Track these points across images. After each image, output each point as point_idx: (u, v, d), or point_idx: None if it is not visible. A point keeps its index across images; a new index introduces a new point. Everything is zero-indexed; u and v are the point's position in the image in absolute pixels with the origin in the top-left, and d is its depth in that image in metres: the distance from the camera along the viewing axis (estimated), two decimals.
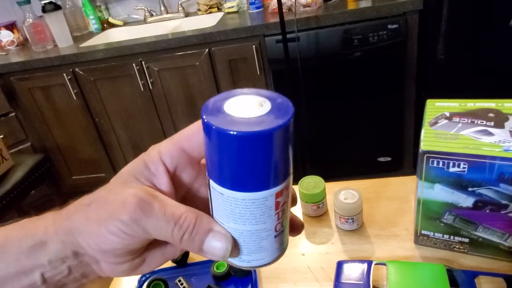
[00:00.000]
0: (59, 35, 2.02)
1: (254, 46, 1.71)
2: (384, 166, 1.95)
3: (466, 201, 0.52)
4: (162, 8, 2.21)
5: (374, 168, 1.96)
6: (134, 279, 0.64)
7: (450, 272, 0.52)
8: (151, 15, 2.24)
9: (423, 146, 0.50)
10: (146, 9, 2.22)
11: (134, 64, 1.83)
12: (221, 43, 1.75)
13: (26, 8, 2.01)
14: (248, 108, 0.24)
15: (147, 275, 0.63)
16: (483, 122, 0.52)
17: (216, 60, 1.79)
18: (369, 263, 0.56)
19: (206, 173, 0.27)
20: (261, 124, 0.23)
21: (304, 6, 1.77)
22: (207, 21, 2.01)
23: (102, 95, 1.96)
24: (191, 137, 0.29)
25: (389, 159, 1.93)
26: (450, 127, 0.52)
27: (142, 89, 1.90)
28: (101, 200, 0.28)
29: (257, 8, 1.98)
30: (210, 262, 0.62)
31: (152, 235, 0.27)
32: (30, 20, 2.02)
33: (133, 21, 2.34)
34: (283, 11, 1.54)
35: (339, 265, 0.58)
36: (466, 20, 1.55)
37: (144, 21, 2.25)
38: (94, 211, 0.28)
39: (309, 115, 1.82)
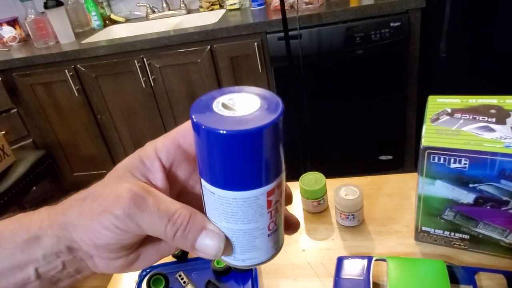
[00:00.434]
0: (61, 32, 2.02)
1: (256, 43, 1.71)
2: (386, 165, 1.94)
3: (467, 197, 0.52)
4: (164, 5, 2.21)
5: (375, 166, 1.96)
6: (135, 274, 0.64)
7: (450, 268, 0.52)
8: (153, 12, 2.24)
9: (424, 142, 0.50)
10: (148, 5, 2.22)
11: (136, 61, 1.83)
12: (223, 40, 1.74)
13: (28, 4, 2.01)
14: (237, 106, 0.24)
15: (148, 270, 0.64)
16: (484, 118, 0.52)
17: (218, 57, 1.78)
18: (369, 259, 0.56)
19: (198, 172, 0.27)
20: (250, 122, 0.23)
21: (307, 3, 1.77)
22: (209, 18, 2.01)
23: (104, 92, 1.96)
24: (187, 133, 0.29)
25: (390, 157, 1.93)
26: (451, 123, 0.52)
27: (143, 86, 1.90)
28: (96, 195, 0.28)
29: (259, 5, 1.97)
30: None
31: (145, 231, 0.27)
32: (32, 16, 2.02)
33: (135, 17, 2.34)
34: (285, 8, 1.54)
35: (339, 260, 0.58)
36: (469, 18, 1.54)
37: (146, 18, 2.25)
38: (88, 206, 0.27)
39: (311, 113, 1.82)
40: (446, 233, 0.57)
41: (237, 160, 0.24)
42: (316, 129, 1.90)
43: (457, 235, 0.57)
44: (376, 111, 1.82)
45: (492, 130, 0.50)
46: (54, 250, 0.28)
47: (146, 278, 0.61)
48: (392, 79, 1.73)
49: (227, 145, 0.23)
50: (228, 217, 0.27)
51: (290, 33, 1.59)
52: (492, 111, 0.53)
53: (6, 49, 2.14)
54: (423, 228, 0.59)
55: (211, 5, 2.15)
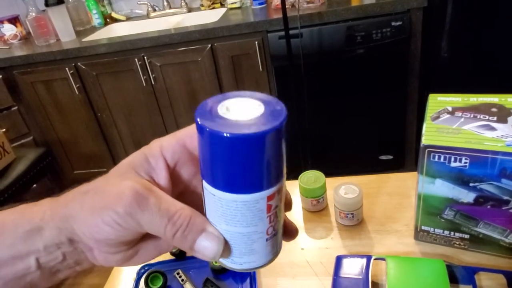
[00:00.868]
0: (62, 29, 2.02)
1: (256, 42, 1.71)
2: (386, 164, 1.94)
3: (467, 196, 0.51)
4: (165, 3, 2.20)
5: (375, 166, 1.95)
6: (133, 271, 0.64)
7: (450, 268, 0.52)
8: (154, 10, 2.23)
9: (425, 140, 0.50)
10: (149, 4, 2.21)
11: (136, 59, 1.83)
12: (223, 39, 1.74)
13: (29, 2, 2.01)
14: (241, 110, 0.25)
15: (146, 268, 0.63)
16: (485, 117, 0.51)
17: (218, 55, 1.78)
18: (368, 258, 0.56)
19: (200, 174, 0.27)
20: (253, 126, 0.23)
21: (308, 2, 1.76)
22: (210, 16, 2.00)
23: (104, 90, 1.96)
24: (195, 134, 0.29)
25: (391, 157, 1.93)
26: (452, 121, 0.52)
27: (144, 84, 1.90)
28: (98, 190, 0.28)
29: (260, 4, 1.97)
30: None
31: (145, 229, 0.27)
32: (33, 14, 2.02)
33: (136, 16, 2.34)
34: (286, 7, 1.54)
35: (338, 259, 0.57)
36: (470, 18, 1.54)
37: (147, 16, 2.25)
38: (90, 200, 0.28)
39: (311, 112, 1.82)
40: (446, 232, 0.57)
41: (238, 163, 0.24)
42: (317, 129, 1.89)
43: (457, 234, 0.56)
44: (376, 110, 1.82)
45: (493, 128, 0.49)
46: (55, 241, 0.28)
47: (144, 275, 0.61)
48: (393, 78, 1.73)
49: (229, 148, 0.23)
50: (227, 219, 0.27)
51: (291, 32, 1.59)
52: (493, 109, 0.52)
53: (7, 47, 2.14)
54: (423, 228, 0.59)
55: (212, 3, 2.15)
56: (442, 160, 0.50)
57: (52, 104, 2.03)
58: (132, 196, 0.26)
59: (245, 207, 0.26)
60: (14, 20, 2.24)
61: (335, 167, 1.99)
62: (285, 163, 0.26)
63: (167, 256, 0.65)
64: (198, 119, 0.24)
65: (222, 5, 2.16)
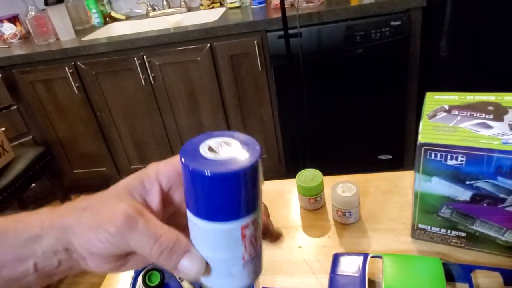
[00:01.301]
0: (61, 29, 2.02)
1: (256, 42, 1.71)
2: (385, 164, 1.94)
3: (463, 194, 0.51)
4: (165, 3, 2.20)
5: (374, 166, 1.95)
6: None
7: (446, 266, 0.52)
8: (154, 10, 2.23)
9: (421, 138, 0.50)
10: (148, 3, 2.21)
11: (135, 59, 1.83)
12: (223, 38, 1.74)
13: (29, 1, 2.01)
14: (220, 149, 0.29)
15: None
16: (482, 115, 0.51)
17: (217, 55, 1.78)
18: (365, 255, 0.56)
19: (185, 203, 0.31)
20: (228, 165, 0.27)
21: (307, 1, 1.76)
22: (209, 16, 2.00)
23: (104, 89, 1.96)
24: None
25: (390, 157, 1.93)
26: (449, 119, 0.52)
27: (143, 84, 1.90)
28: (94, 210, 0.31)
29: (259, 3, 1.97)
30: None
31: (133, 248, 0.30)
32: (33, 13, 2.02)
33: (136, 15, 2.34)
34: (286, 6, 1.54)
35: (335, 257, 0.57)
36: (470, 17, 1.54)
37: (147, 16, 2.25)
38: (87, 218, 0.31)
39: (310, 112, 1.82)
40: (443, 230, 0.57)
41: (215, 196, 0.28)
42: (316, 128, 1.89)
43: (454, 232, 0.57)
44: (376, 110, 1.82)
45: (489, 127, 0.49)
46: (52, 249, 0.31)
47: (142, 273, 0.61)
48: (392, 78, 1.73)
49: (205, 184, 0.27)
50: (207, 245, 0.30)
51: (290, 31, 1.59)
52: (490, 108, 0.52)
53: (7, 46, 2.14)
54: (420, 226, 0.59)
55: (212, 3, 2.15)
56: (438, 158, 0.50)
57: (52, 103, 2.03)
58: (124, 219, 0.29)
59: (222, 234, 0.29)
60: (13, 19, 2.25)
61: (334, 167, 1.99)
62: (260, 196, 0.30)
63: None
64: (182, 158, 0.28)
65: (221, 5, 2.16)
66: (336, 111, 1.85)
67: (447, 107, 0.54)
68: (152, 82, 1.89)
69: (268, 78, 1.82)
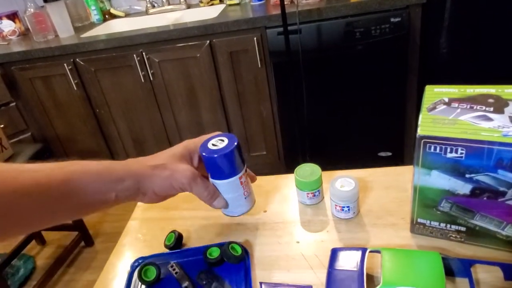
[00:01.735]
0: (61, 25, 2.02)
1: (255, 38, 1.70)
2: (385, 161, 1.93)
3: (463, 188, 0.51)
4: (164, 0, 2.19)
5: (374, 163, 1.94)
6: (127, 265, 0.64)
7: (446, 260, 0.51)
8: (153, 7, 2.23)
9: (421, 131, 0.49)
10: (148, 0, 2.21)
11: (135, 55, 1.82)
12: (222, 35, 1.73)
13: None
14: (218, 143, 0.55)
15: (140, 261, 0.63)
16: (482, 108, 0.51)
17: (217, 51, 1.78)
18: (364, 250, 0.55)
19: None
20: (221, 151, 0.54)
21: None
22: (208, 12, 2.00)
23: (103, 86, 1.95)
24: None
25: (389, 154, 1.92)
26: (448, 112, 0.51)
27: (142, 80, 1.90)
28: (167, 167, 0.52)
29: (259, 0, 1.96)
30: (203, 248, 0.61)
31: (193, 193, 0.55)
32: (32, 10, 2.01)
33: (135, 12, 2.33)
34: (285, 3, 1.53)
35: (333, 252, 0.57)
36: (469, 14, 1.53)
37: (146, 13, 2.24)
38: (159, 172, 0.52)
39: (310, 108, 1.81)
40: (442, 225, 0.56)
41: (219, 166, 0.55)
42: (315, 125, 1.89)
43: (453, 227, 0.56)
44: (375, 107, 1.81)
45: (489, 119, 0.49)
46: (129, 187, 0.50)
47: (138, 268, 0.60)
48: (392, 75, 1.72)
49: (215, 161, 0.54)
50: (224, 192, 0.58)
51: (290, 28, 1.58)
52: (490, 100, 0.52)
53: (6, 43, 2.14)
54: (419, 220, 0.58)
55: (211, 0, 2.14)
56: (438, 151, 0.49)
57: (50, 100, 2.03)
58: (191, 175, 0.53)
59: (230, 185, 0.57)
60: (12, 16, 2.24)
61: (333, 164, 1.98)
62: (243, 161, 0.57)
63: (161, 249, 0.65)
64: (201, 152, 0.55)
65: (221, 1, 2.15)
66: (335, 108, 1.85)
67: (446, 100, 0.54)
68: (151, 78, 1.89)
69: (268, 75, 1.81)
